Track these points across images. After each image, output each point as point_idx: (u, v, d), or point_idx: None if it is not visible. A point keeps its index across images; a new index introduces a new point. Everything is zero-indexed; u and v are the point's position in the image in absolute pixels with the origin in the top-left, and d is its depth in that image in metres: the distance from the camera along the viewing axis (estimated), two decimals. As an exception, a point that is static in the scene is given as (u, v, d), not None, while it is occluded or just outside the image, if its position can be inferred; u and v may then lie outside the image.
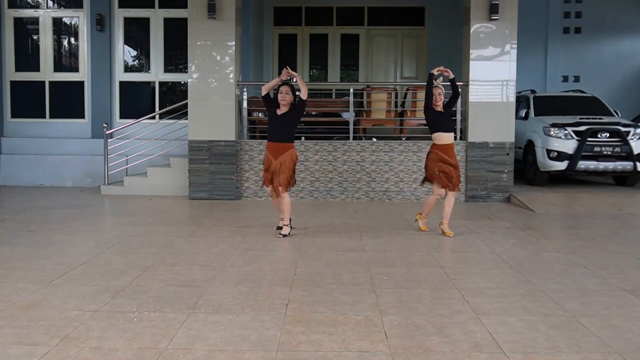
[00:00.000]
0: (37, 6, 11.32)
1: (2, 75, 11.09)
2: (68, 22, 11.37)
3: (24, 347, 3.11)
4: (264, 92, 5.95)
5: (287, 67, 5.92)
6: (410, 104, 9.66)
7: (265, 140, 6.24)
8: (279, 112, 5.90)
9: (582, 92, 10.91)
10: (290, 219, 6.17)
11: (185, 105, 9.09)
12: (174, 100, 10.94)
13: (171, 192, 9.22)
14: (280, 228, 6.19)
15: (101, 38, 10.89)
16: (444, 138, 6.08)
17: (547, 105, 10.16)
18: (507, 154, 8.66)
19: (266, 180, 6.01)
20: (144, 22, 11.04)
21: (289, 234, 6.06)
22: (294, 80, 6.02)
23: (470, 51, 8.61)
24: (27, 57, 11.30)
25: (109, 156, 9.56)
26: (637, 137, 8.90)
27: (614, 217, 7.45)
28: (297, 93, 5.99)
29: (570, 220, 7.47)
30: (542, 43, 12.91)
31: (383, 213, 7.71)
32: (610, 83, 12.81)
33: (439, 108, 6.10)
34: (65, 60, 11.46)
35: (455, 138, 6.47)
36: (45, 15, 11.18)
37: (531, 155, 9.51)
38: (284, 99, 5.82)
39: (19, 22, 11.23)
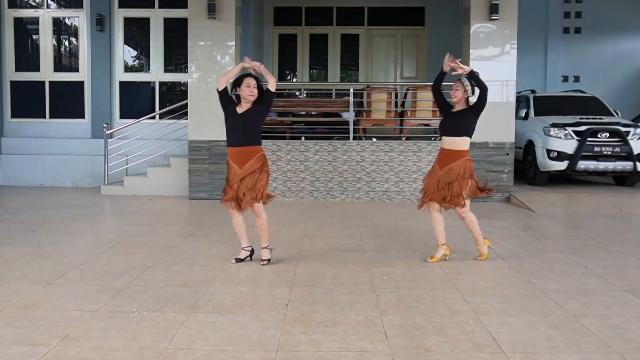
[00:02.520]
0: (37, 6, 11.32)
1: (2, 75, 11.08)
2: (68, 22, 11.37)
3: (24, 347, 3.11)
4: (221, 87, 4.81)
5: (247, 57, 4.96)
6: (410, 104, 9.65)
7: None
8: (240, 109, 4.80)
9: (582, 92, 10.91)
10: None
11: (185, 105, 9.09)
12: (174, 100, 10.95)
13: (171, 192, 9.22)
14: (242, 259, 5.08)
15: (101, 38, 10.89)
16: (443, 141, 5.10)
17: (547, 105, 10.16)
18: (507, 154, 8.66)
19: (229, 196, 4.82)
20: (144, 22, 11.04)
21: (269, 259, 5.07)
22: (256, 71, 4.94)
23: (470, 51, 8.61)
24: (27, 57, 11.29)
25: (109, 156, 9.55)
26: (637, 137, 8.91)
27: (614, 217, 7.45)
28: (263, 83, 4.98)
29: (570, 220, 7.47)
30: (542, 43, 12.90)
31: (383, 213, 7.71)
32: (610, 83, 12.80)
33: (458, 107, 5.02)
34: (65, 60, 11.46)
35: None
36: (45, 15, 11.17)
37: (531, 155, 9.51)
38: (252, 93, 4.75)
39: (19, 22, 11.22)
